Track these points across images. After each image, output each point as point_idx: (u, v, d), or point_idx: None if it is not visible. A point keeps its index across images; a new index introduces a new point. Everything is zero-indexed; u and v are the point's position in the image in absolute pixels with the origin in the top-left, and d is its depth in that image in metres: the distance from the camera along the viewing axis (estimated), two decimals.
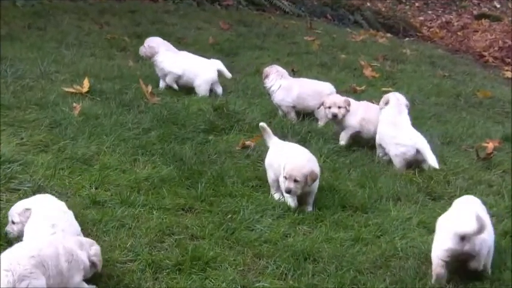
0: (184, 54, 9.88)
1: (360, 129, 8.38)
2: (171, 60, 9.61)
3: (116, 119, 8.04)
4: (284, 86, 9.01)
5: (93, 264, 4.90)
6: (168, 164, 7.14)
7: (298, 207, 6.49)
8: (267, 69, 9.22)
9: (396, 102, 8.12)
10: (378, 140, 8.08)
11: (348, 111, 8.31)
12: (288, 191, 6.37)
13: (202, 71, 9.63)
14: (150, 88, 9.16)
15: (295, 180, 6.32)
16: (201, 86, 9.58)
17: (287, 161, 6.45)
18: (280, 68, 9.30)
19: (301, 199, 6.55)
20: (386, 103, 8.12)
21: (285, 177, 6.37)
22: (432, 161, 7.70)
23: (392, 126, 7.96)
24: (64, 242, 4.79)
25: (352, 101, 8.50)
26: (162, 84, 9.68)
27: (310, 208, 6.53)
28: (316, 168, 6.53)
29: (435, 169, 7.65)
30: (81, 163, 6.93)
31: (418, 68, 13.75)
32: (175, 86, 9.58)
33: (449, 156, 8.33)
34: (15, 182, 6.28)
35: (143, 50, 9.74)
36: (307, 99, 9.07)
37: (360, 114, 8.38)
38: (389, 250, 5.92)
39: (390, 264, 5.73)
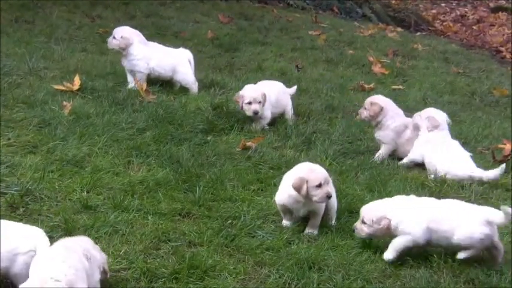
0: (154, 46, 9.71)
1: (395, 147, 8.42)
2: (145, 56, 9.45)
3: (109, 119, 8.06)
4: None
5: (103, 270, 4.96)
6: (164, 166, 7.16)
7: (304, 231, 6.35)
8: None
9: (444, 122, 8.19)
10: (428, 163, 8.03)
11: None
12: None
13: (181, 64, 9.63)
14: (145, 85, 9.18)
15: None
16: (186, 79, 9.63)
17: None
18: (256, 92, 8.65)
19: (306, 221, 6.39)
20: (436, 127, 8.07)
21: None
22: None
23: (446, 148, 8.01)
24: (78, 241, 4.88)
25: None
26: (132, 82, 9.41)
27: (315, 232, 6.29)
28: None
29: None
30: (72, 165, 6.95)
31: (431, 64, 13.78)
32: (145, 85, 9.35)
33: None
34: (2, 185, 6.29)
35: (114, 42, 9.40)
36: (282, 100, 9.01)
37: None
38: (399, 258, 5.93)
39: (400, 274, 5.74)
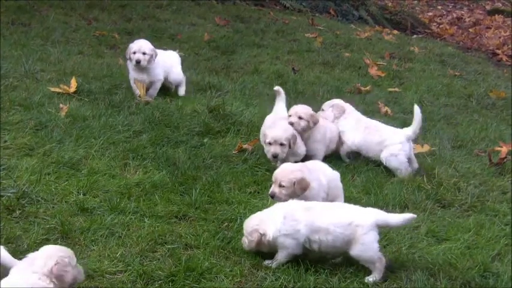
0: None
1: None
2: (158, 61, 9.26)
3: (105, 121, 8.07)
4: None
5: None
6: (161, 168, 7.17)
7: None
8: None
9: (351, 107, 8.23)
10: (360, 149, 8.05)
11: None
12: (272, 195, 6.22)
13: (174, 65, 9.61)
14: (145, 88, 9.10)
15: (281, 185, 6.18)
16: (179, 79, 9.63)
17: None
18: None
19: None
20: (343, 112, 8.12)
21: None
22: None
23: (373, 130, 8.04)
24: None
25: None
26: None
27: None
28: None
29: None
30: (68, 168, 6.95)
31: (427, 66, 13.79)
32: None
33: (460, 161, 8.37)
34: None
35: (145, 58, 8.97)
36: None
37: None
38: (395, 261, 5.94)
39: (397, 276, 5.75)
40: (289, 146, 7.32)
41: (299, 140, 7.60)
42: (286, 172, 6.21)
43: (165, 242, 5.89)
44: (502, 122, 10.56)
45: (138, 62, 8.97)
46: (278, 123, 7.65)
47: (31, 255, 4.79)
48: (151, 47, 9.14)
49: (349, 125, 8.11)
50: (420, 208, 7.05)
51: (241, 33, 14.23)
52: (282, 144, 7.27)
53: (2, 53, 10.17)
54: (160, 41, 12.52)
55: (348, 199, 6.92)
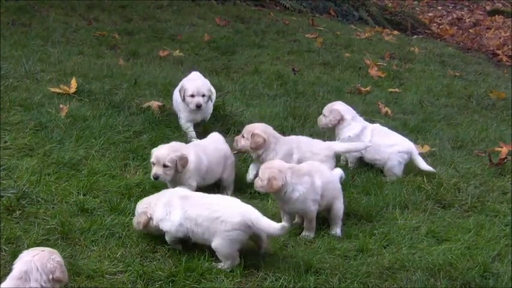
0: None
1: None
2: None
3: (106, 121, 8.06)
4: None
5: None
6: None
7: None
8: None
9: (353, 112, 8.07)
10: (369, 154, 7.89)
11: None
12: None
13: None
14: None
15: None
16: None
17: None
18: None
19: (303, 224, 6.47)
20: (341, 119, 7.95)
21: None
22: (423, 164, 7.80)
23: (383, 134, 7.97)
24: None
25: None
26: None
27: (312, 235, 6.32)
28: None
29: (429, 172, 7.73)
30: (69, 168, 6.95)
31: (427, 67, 13.79)
32: None
33: (460, 162, 8.36)
34: None
35: (204, 100, 8.08)
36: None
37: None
38: (395, 261, 5.94)
39: (397, 277, 5.75)
40: (177, 169, 6.53)
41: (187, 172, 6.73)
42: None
43: (165, 243, 5.88)
44: (502, 122, 10.56)
45: (199, 106, 8.06)
46: (173, 143, 6.90)
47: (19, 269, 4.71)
48: (209, 86, 8.31)
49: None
50: (420, 208, 7.06)
51: (241, 34, 14.22)
52: (165, 166, 6.48)
53: (2, 54, 10.16)
54: (161, 41, 12.54)
55: (348, 199, 6.94)
